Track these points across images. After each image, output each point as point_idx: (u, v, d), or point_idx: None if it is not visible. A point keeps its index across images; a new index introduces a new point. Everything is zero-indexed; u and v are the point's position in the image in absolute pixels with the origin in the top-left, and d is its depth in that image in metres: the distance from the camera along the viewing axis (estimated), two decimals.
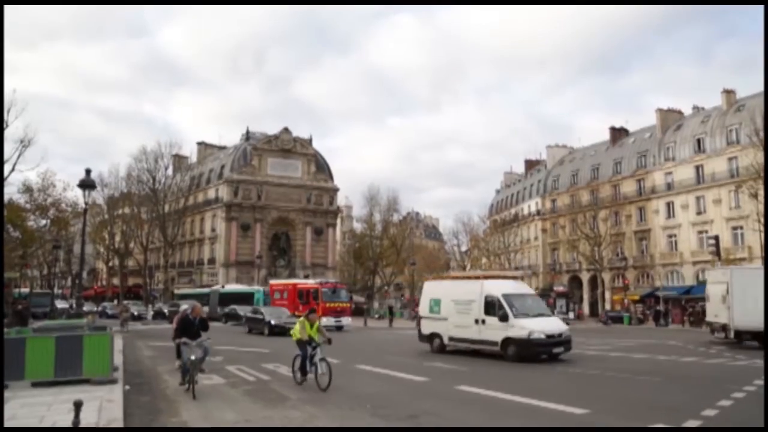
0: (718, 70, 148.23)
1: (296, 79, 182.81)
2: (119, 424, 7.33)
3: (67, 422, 6.14)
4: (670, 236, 53.21)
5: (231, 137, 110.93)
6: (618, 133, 63.16)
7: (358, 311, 46.85)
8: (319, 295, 33.34)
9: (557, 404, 9.18)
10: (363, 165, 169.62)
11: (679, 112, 57.72)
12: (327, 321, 28.92)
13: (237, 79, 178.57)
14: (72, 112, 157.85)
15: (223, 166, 65.31)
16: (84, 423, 6.18)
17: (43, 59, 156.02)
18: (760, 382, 11.82)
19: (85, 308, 48.39)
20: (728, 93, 52.03)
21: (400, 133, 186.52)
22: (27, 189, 40.81)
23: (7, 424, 6.70)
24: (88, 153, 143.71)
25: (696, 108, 56.64)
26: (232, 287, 47.35)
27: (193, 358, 10.10)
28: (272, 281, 43.94)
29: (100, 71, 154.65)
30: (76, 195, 44.68)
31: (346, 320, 33.91)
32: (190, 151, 74.64)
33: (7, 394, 9.07)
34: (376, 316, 52.15)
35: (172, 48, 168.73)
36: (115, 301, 60.28)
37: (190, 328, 10.65)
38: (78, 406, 5.70)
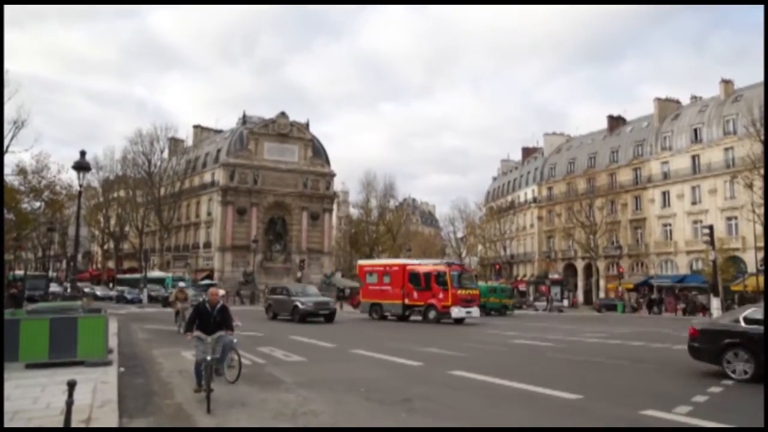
0: (712, 60, 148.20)
1: (288, 64, 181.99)
2: (114, 405, 7.35)
3: (61, 403, 6.15)
4: (665, 225, 53.45)
5: (227, 121, 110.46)
6: (615, 122, 63.17)
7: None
8: (448, 279, 26.60)
9: (550, 389, 9.25)
10: (356, 150, 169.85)
11: (677, 102, 57.68)
12: (458, 312, 26.03)
13: (228, 64, 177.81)
14: (61, 94, 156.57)
15: (219, 150, 64.99)
16: (78, 404, 6.19)
17: (30, 39, 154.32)
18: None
19: (99, 293, 49.19)
20: (726, 83, 51.96)
21: (393, 119, 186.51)
22: (21, 171, 40.46)
23: None
24: (79, 136, 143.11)
25: (694, 98, 56.59)
26: (154, 273, 54.72)
27: (208, 358, 8.02)
28: (361, 261, 36.47)
29: (90, 53, 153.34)
30: (71, 177, 44.36)
31: (475, 311, 27.64)
32: (186, 135, 74.59)
33: None
34: None
35: (161, 31, 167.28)
36: (112, 282, 60.33)
37: (206, 320, 8.48)
38: (72, 386, 5.69)
